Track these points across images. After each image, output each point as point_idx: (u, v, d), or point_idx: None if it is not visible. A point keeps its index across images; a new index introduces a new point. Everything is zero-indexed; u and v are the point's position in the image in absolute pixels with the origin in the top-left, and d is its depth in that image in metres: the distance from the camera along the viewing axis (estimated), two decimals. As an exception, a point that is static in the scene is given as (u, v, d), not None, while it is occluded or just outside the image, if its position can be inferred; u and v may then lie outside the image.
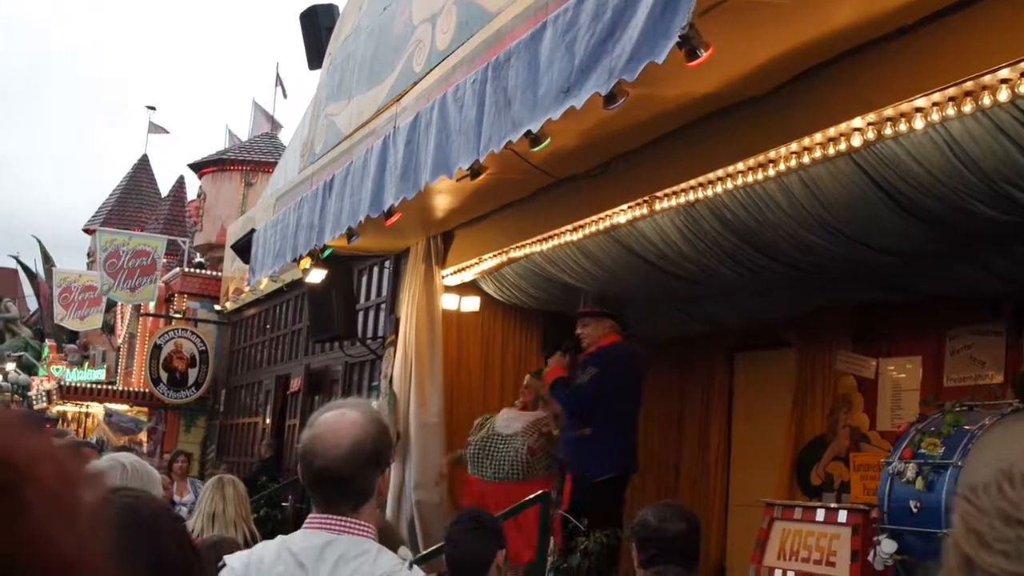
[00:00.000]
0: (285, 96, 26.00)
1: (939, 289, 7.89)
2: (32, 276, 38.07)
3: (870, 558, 6.17)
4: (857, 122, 5.49)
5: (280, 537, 2.86)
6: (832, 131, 5.66)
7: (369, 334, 12.13)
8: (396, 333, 10.37)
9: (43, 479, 0.71)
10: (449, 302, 10.15)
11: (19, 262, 39.25)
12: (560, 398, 8.01)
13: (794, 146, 5.96)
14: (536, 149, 5.72)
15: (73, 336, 30.66)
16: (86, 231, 32.55)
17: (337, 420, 2.81)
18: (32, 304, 40.58)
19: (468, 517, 4.89)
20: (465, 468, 9.34)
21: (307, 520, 2.82)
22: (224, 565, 2.80)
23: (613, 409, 7.61)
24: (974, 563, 1.14)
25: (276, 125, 25.35)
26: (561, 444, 8.13)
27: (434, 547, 7.06)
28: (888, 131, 5.37)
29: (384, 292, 11.84)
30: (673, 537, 4.11)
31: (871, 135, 5.48)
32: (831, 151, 5.77)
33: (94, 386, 23.55)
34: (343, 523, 2.77)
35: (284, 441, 16.16)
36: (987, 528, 1.15)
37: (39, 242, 35.20)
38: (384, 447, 2.86)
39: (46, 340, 32.11)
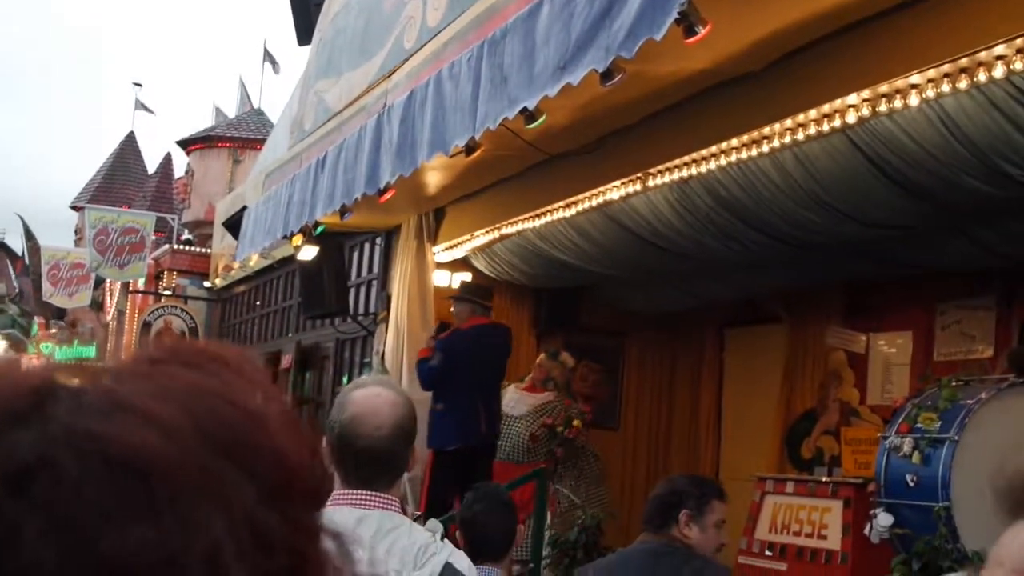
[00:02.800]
0: (276, 71, 25.64)
1: (930, 264, 7.93)
2: (13, 256, 37.80)
3: (866, 531, 6.21)
4: (852, 98, 5.50)
5: None
6: (826, 107, 5.68)
7: (361, 310, 12.12)
8: (388, 309, 10.37)
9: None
10: (441, 278, 10.15)
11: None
12: (419, 375, 8.70)
13: (788, 122, 5.97)
14: (532, 126, 5.72)
15: (60, 313, 30.55)
16: (73, 208, 32.42)
17: (374, 399, 2.85)
18: (15, 283, 40.28)
19: (491, 496, 4.88)
20: None
21: (333, 496, 2.81)
22: None
23: (461, 385, 8.30)
24: None
25: (254, 108, 25.23)
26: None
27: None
28: (883, 107, 5.39)
29: (376, 268, 11.82)
30: (651, 500, 4.28)
31: (866, 111, 5.49)
32: (825, 127, 5.78)
33: (83, 363, 23.46)
34: (374, 498, 2.81)
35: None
36: None
37: (22, 220, 35.01)
38: (415, 423, 2.94)
39: (35, 318, 31.95)
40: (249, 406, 0.66)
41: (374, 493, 2.82)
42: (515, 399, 9.37)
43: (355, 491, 2.81)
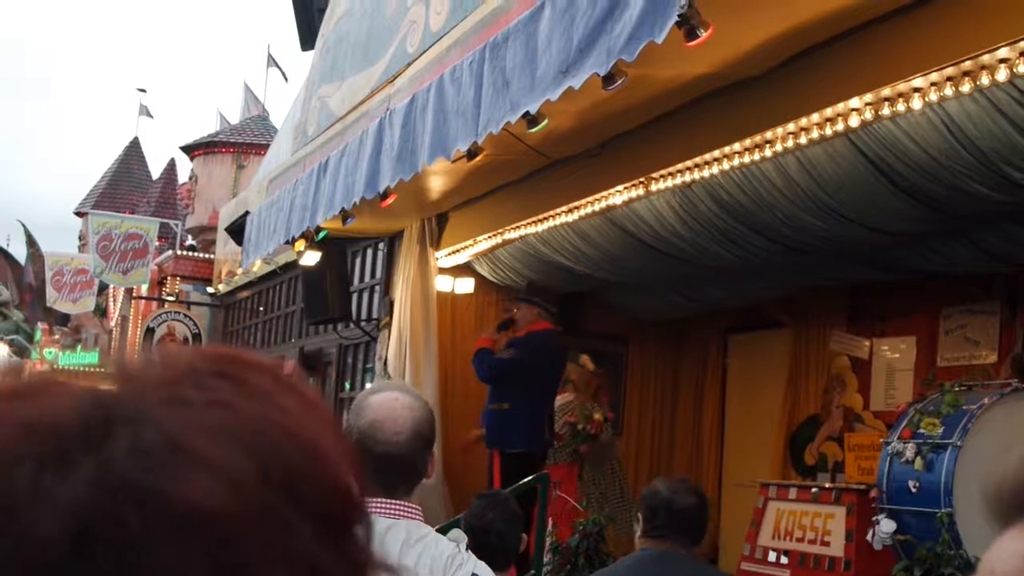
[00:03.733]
0: (286, 79, 25.64)
1: (933, 269, 7.91)
2: (14, 262, 37.75)
3: (869, 538, 6.19)
4: (855, 102, 5.48)
5: None
6: (829, 111, 5.66)
7: (364, 316, 12.11)
8: (391, 315, 10.35)
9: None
10: (443, 284, 10.14)
11: (1, 248, 38.95)
12: (479, 364, 8.69)
13: (791, 127, 5.95)
14: (534, 130, 5.71)
15: (64, 319, 30.58)
16: (77, 214, 32.44)
17: (393, 404, 2.82)
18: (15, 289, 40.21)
19: (503, 504, 4.85)
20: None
21: None
22: None
23: (530, 389, 8.34)
24: None
25: (263, 109, 25.22)
26: (483, 416, 8.78)
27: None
28: (886, 111, 5.37)
29: (379, 274, 11.80)
30: (680, 511, 4.06)
31: (869, 115, 5.47)
32: (828, 132, 5.76)
33: (87, 369, 23.47)
34: (399, 507, 2.79)
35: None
36: None
37: (24, 227, 34.97)
38: (434, 428, 2.90)
39: (39, 323, 31.96)
40: (308, 436, 0.64)
41: (399, 502, 2.79)
42: None
43: (381, 500, 2.78)
